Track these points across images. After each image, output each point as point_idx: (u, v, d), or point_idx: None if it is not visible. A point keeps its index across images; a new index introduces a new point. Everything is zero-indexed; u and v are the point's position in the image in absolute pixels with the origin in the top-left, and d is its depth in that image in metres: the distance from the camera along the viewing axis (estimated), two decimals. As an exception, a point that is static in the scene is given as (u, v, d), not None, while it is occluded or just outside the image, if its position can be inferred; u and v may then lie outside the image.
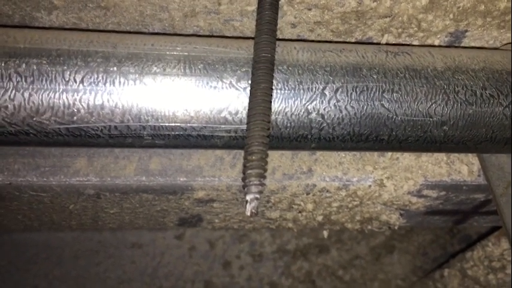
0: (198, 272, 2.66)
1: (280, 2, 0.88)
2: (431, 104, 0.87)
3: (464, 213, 1.34)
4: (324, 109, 0.85)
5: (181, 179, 1.07)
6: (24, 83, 0.77)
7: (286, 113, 0.84)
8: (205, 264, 2.67)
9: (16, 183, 1.02)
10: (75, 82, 0.78)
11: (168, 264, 2.65)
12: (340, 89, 0.85)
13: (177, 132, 0.84)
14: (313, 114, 0.85)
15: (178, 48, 0.84)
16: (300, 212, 1.22)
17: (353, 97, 0.85)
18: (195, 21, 0.95)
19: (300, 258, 2.73)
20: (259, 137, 0.74)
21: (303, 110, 0.84)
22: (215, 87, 0.82)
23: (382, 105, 0.86)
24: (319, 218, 1.27)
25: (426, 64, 0.89)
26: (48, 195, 1.07)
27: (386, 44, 1.01)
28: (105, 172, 1.05)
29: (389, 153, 1.13)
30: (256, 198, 0.70)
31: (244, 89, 0.82)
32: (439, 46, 1.03)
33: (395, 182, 1.13)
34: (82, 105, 0.79)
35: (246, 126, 0.82)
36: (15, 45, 0.79)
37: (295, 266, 2.72)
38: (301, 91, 0.84)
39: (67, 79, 0.78)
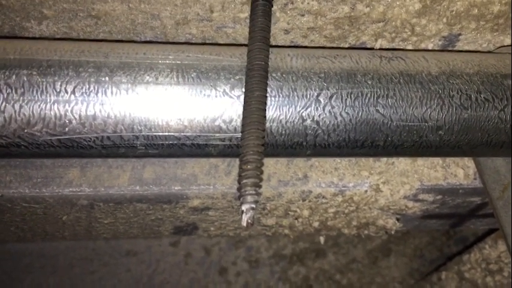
0: (194, 279, 2.65)
1: (273, 9, 0.88)
2: (427, 109, 0.86)
3: (461, 216, 1.34)
4: (319, 116, 0.84)
5: (175, 188, 1.06)
6: (14, 95, 0.76)
7: (280, 121, 0.83)
8: (201, 271, 2.66)
9: (8, 195, 1.01)
10: (67, 93, 0.77)
11: (163, 272, 2.63)
12: (335, 96, 0.84)
13: (170, 142, 0.83)
14: (308, 121, 0.84)
15: (170, 57, 0.83)
16: (296, 218, 1.22)
17: (348, 103, 0.84)
18: (188, 29, 0.94)
19: (297, 263, 2.72)
20: (254, 145, 0.73)
21: (297, 117, 0.83)
22: (209, 96, 0.81)
23: (377, 111, 0.85)
24: (316, 224, 1.26)
25: (420, 69, 0.88)
26: (41, 207, 1.05)
27: (380, 49, 1.01)
28: (99, 182, 1.03)
29: (385, 158, 1.12)
30: (252, 208, 0.70)
31: (238, 97, 0.82)
32: (433, 50, 1.03)
33: (392, 187, 1.12)
34: (74, 116, 0.78)
35: (240, 134, 0.81)
36: (5, 56, 0.78)
37: (292, 271, 2.71)
38: (296, 98, 0.83)
39: (58, 90, 0.77)
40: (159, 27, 0.94)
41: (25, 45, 0.81)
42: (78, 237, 1.27)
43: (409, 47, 1.02)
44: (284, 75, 0.84)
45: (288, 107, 0.83)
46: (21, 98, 0.76)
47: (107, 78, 0.79)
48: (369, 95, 0.85)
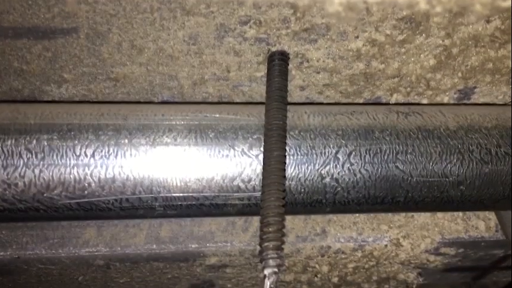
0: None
1: (289, 67, 0.89)
2: (447, 164, 0.86)
3: (483, 268, 1.30)
4: (338, 173, 0.83)
5: (192, 246, 1.04)
6: (34, 160, 0.76)
7: (299, 179, 0.83)
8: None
9: (24, 256, 1.00)
10: (86, 156, 0.77)
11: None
12: (354, 153, 0.84)
13: (189, 202, 0.83)
14: (327, 179, 0.83)
15: (188, 117, 0.84)
16: (315, 274, 1.19)
17: (367, 160, 0.84)
18: (204, 88, 0.96)
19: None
20: (274, 207, 0.72)
21: (316, 175, 0.83)
22: (227, 156, 0.81)
23: (397, 167, 0.85)
24: (335, 280, 1.23)
25: (438, 124, 0.88)
26: (57, 268, 1.04)
27: (396, 103, 1.01)
28: (115, 241, 1.02)
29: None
30: (275, 273, 0.68)
31: (257, 156, 0.81)
32: (449, 104, 1.03)
33: (412, 241, 1.10)
34: (93, 179, 0.78)
35: (259, 193, 0.81)
36: (25, 121, 0.79)
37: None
38: (314, 156, 0.83)
39: (78, 154, 0.77)
40: (176, 87, 0.95)
41: (45, 110, 0.82)
42: (93, 297, 1.25)
43: (425, 101, 1.02)
44: (302, 133, 0.84)
45: (306, 165, 0.83)
46: (41, 162, 0.76)
47: (126, 140, 0.79)
48: (387, 151, 0.84)
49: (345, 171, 0.84)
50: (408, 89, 0.99)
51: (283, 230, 0.73)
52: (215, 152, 0.81)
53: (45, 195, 0.77)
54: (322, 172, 0.83)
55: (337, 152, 0.83)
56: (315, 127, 0.85)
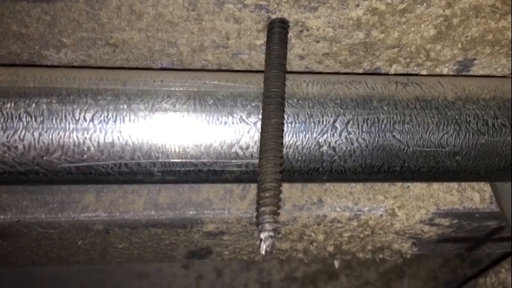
0: (205, 301, 2.63)
1: (288, 35, 0.88)
2: (443, 135, 0.86)
3: (477, 240, 1.32)
4: (335, 142, 0.84)
5: (190, 213, 1.06)
6: (34, 123, 0.77)
7: (297, 147, 0.83)
8: (213, 294, 2.64)
9: (24, 220, 1.01)
10: (85, 121, 0.78)
11: (175, 294, 2.63)
12: (351, 122, 0.84)
13: (187, 168, 0.83)
14: (325, 147, 0.84)
15: (187, 84, 0.84)
16: (311, 242, 1.21)
17: (364, 129, 0.84)
18: (203, 56, 0.95)
19: (309, 286, 2.69)
20: (272, 173, 0.73)
21: (314, 143, 0.84)
22: (225, 123, 0.82)
23: (394, 136, 0.85)
24: (330, 248, 1.25)
25: (436, 94, 0.89)
26: (56, 232, 1.06)
27: (395, 74, 1.01)
28: (114, 207, 1.04)
29: (400, 182, 1.12)
30: (271, 236, 0.69)
31: (255, 123, 0.82)
32: (448, 75, 1.03)
33: (407, 211, 1.12)
34: (92, 144, 0.78)
35: (257, 160, 0.81)
36: (24, 84, 0.79)
37: (304, 294, 2.69)
38: (312, 124, 0.83)
39: (77, 118, 0.78)
40: (175, 54, 0.95)
41: (44, 74, 0.82)
42: (92, 262, 1.27)
43: (424, 72, 1.02)
44: (300, 102, 0.84)
45: (304, 133, 0.83)
46: (41, 126, 0.77)
47: (125, 105, 0.80)
48: (385, 120, 0.85)
49: (342, 140, 0.84)
50: (408, 59, 0.98)
51: (280, 196, 0.74)
52: (214, 118, 0.82)
53: (44, 158, 0.78)
54: (320, 140, 0.84)
55: (335, 121, 0.84)
56: (313, 96, 0.85)
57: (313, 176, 0.88)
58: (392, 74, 1.01)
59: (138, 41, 0.91)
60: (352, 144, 0.85)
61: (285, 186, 1.09)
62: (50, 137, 0.77)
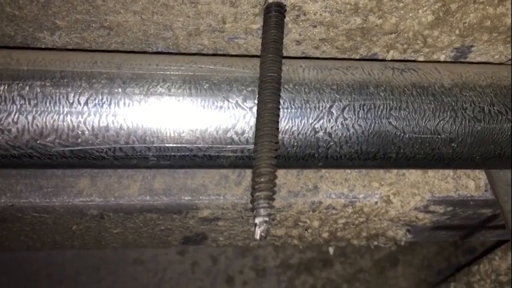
0: (201, 287, 2.64)
1: (285, 20, 0.88)
2: (439, 121, 0.86)
3: (471, 228, 1.33)
4: (331, 128, 0.84)
5: (186, 198, 1.05)
6: (27, 106, 0.76)
7: (293, 132, 0.83)
8: (208, 280, 2.64)
9: (18, 204, 1.01)
10: (80, 104, 0.77)
11: (170, 281, 2.62)
12: (347, 107, 0.84)
13: (182, 153, 0.83)
14: (320, 133, 0.84)
15: (183, 68, 0.83)
16: (306, 229, 1.21)
17: (360, 115, 0.84)
18: (199, 40, 0.95)
19: (304, 273, 2.70)
20: (267, 158, 0.73)
21: (309, 129, 0.83)
22: (221, 107, 0.81)
23: (390, 123, 0.85)
24: (325, 235, 1.25)
25: (433, 81, 0.88)
26: (51, 216, 1.05)
27: (392, 60, 1.00)
28: (109, 192, 1.03)
29: (396, 169, 1.12)
30: (266, 221, 0.69)
31: (251, 108, 0.81)
32: (445, 62, 1.02)
33: (402, 198, 1.12)
34: (87, 128, 0.78)
35: (252, 146, 0.81)
36: (18, 67, 0.78)
37: (299, 281, 2.69)
38: (308, 110, 0.83)
39: (71, 101, 0.77)
40: (171, 38, 0.94)
41: (38, 56, 0.81)
42: (87, 247, 1.27)
43: (421, 59, 1.02)
44: (296, 87, 0.84)
45: (300, 118, 0.83)
46: (35, 109, 0.76)
47: (119, 89, 0.79)
48: (381, 107, 0.84)
49: (338, 126, 0.84)
50: (405, 45, 0.98)
51: (275, 181, 0.73)
52: (209, 103, 0.81)
53: (38, 142, 0.77)
54: (316, 126, 0.83)
55: (331, 107, 0.83)
56: (309, 81, 0.85)
57: (309, 162, 0.88)
58: (389, 60, 1.01)
59: (133, 24, 0.90)
60: (348, 130, 0.84)
61: (281, 173, 1.09)
62: (44, 120, 0.76)
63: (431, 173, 1.13)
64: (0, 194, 1.00)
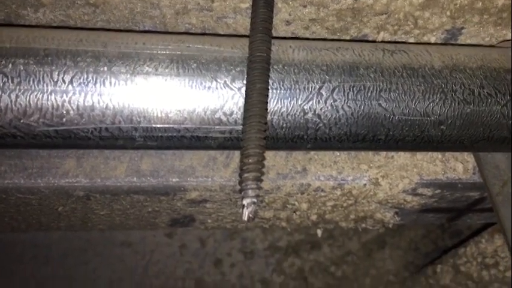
0: (189, 270, 2.64)
1: (274, -1, 0.86)
2: (429, 103, 0.86)
3: (459, 210, 1.34)
4: (321, 109, 0.83)
5: (173, 180, 1.04)
6: (10, 84, 0.74)
7: (282, 114, 0.82)
8: (196, 262, 2.65)
9: (2, 185, 0.99)
10: (64, 83, 0.75)
11: (158, 263, 2.63)
12: (337, 89, 0.83)
13: (170, 134, 0.82)
14: (310, 115, 0.83)
15: (170, 47, 0.81)
16: (294, 211, 1.21)
17: (350, 97, 0.83)
18: (187, 19, 0.93)
19: (292, 255, 2.72)
20: (255, 139, 0.72)
21: (299, 110, 0.82)
22: (209, 88, 0.80)
23: (380, 104, 0.84)
24: (314, 217, 1.25)
25: (423, 62, 0.87)
26: (36, 198, 1.04)
27: (382, 41, 0.99)
28: (95, 173, 1.02)
29: (385, 152, 1.11)
30: (254, 203, 0.69)
31: (239, 89, 0.80)
32: (435, 44, 1.01)
33: (391, 181, 1.12)
34: (71, 107, 0.76)
35: (241, 127, 0.80)
36: (0, 45, 0.76)
37: (287, 263, 2.71)
38: (297, 91, 0.82)
39: (55, 80, 0.75)
40: (158, 17, 0.92)
41: (21, 34, 0.79)
42: (73, 228, 1.26)
43: (411, 40, 1.01)
44: (286, 68, 0.83)
45: (289, 99, 0.82)
46: (18, 87, 0.74)
47: (105, 68, 0.77)
48: (371, 88, 0.84)
49: (327, 107, 0.83)
50: (396, 27, 0.97)
51: (264, 163, 0.73)
52: (197, 83, 0.80)
53: (22, 121, 0.76)
54: (305, 107, 0.82)
55: (320, 88, 0.83)
56: (299, 62, 0.84)
57: (298, 144, 0.87)
58: (380, 42, 1.00)
59: (119, 1, 0.88)
60: (338, 111, 0.83)
61: (269, 155, 1.09)
62: (28, 99, 0.75)
63: (419, 155, 1.13)
64: (-17, 174, 0.98)
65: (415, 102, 0.85)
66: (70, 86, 0.75)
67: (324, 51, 0.86)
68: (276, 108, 0.82)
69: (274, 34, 0.95)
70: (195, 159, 1.06)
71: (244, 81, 0.79)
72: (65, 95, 0.75)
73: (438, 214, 1.34)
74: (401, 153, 1.12)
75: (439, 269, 2.14)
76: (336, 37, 1.00)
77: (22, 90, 0.74)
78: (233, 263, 2.69)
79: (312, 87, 0.82)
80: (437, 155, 1.13)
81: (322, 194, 1.12)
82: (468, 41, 1.03)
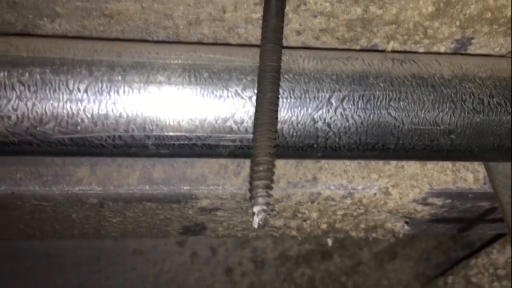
0: (200, 278, 2.64)
1: (285, 10, 0.88)
2: (439, 113, 0.86)
3: (469, 221, 1.33)
4: (331, 118, 0.84)
5: (185, 188, 1.06)
6: (27, 93, 0.76)
7: (292, 122, 0.83)
8: (208, 271, 2.65)
9: (18, 192, 1.01)
10: (79, 91, 0.77)
11: (169, 271, 2.63)
12: (347, 98, 0.84)
13: (181, 142, 0.83)
14: (320, 123, 0.84)
15: (183, 57, 0.83)
16: (304, 220, 1.21)
17: (360, 106, 0.84)
18: (200, 29, 0.94)
19: (302, 265, 2.71)
20: (266, 147, 0.73)
21: (309, 119, 0.83)
22: (220, 96, 0.81)
23: (389, 113, 0.85)
24: (324, 226, 1.26)
25: (433, 72, 0.88)
26: (50, 205, 1.05)
27: (392, 51, 1.00)
28: (108, 181, 1.03)
29: (395, 161, 1.12)
30: (264, 210, 0.69)
31: (250, 98, 0.82)
32: (445, 53, 1.02)
33: (401, 190, 1.12)
34: (86, 115, 0.78)
35: (251, 135, 0.81)
36: (18, 54, 0.78)
37: (298, 273, 2.70)
38: (308, 100, 0.83)
39: (71, 88, 0.77)
40: (171, 27, 0.94)
41: (38, 43, 0.81)
42: (87, 236, 1.27)
43: (421, 50, 1.02)
44: (296, 77, 0.84)
45: (299, 108, 0.83)
46: (34, 95, 0.76)
47: (119, 77, 0.79)
48: (381, 97, 0.85)
49: (337, 116, 0.84)
50: (405, 36, 0.98)
51: (274, 170, 0.74)
52: (209, 92, 0.81)
53: (38, 129, 0.78)
54: (315, 116, 0.83)
55: (330, 97, 0.84)
56: (309, 71, 0.85)
57: (308, 152, 0.88)
58: (390, 51, 1.01)
59: (133, 12, 0.90)
60: (348, 120, 0.84)
61: (280, 163, 1.09)
62: (44, 107, 0.77)
63: (430, 165, 1.13)
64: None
65: (424, 112, 0.86)
66: (85, 95, 0.77)
67: (334, 61, 0.87)
68: (286, 117, 0.83)
69: (285, 44, 0.96)
70: (206, 168, 1.07)
71: (255, 90, 0.81)
72: (80, 104, 0.77)
73: (449, 224, 1.34)
74: (412, 163, 1.12)
75: (450, 280, 2.12)
76: (346, 47, 1.01)
77: (38, 99, 0.76)
78: (244, 272, 2.69)
79: (322, 97, 0.83)
80: (448, 164, 1.13)
81: (333, 203, 1.13)
82: (478, 51, 1.04)
